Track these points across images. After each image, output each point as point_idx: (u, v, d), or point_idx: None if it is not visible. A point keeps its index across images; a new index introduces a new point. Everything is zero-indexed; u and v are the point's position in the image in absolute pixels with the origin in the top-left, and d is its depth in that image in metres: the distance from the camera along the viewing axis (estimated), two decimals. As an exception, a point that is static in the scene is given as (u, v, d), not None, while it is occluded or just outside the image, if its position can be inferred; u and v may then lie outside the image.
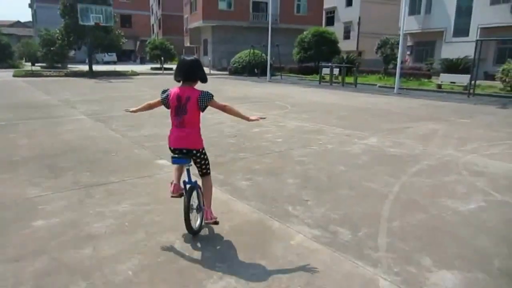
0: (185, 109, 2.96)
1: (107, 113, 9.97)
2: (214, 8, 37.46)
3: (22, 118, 8.84)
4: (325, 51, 29.67)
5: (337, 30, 37.76)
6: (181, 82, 3.04)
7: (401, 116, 10.29)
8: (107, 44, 26.12)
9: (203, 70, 3.09)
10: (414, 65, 29.42)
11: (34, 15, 49.30)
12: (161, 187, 4.31)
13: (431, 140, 7.09)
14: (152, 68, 34.48)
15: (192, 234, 3.15)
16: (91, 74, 24.18)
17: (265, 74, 25.70)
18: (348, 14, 42.47)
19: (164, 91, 3.11)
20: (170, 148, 3.11)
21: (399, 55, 17.74)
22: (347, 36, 42.85)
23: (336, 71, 22.21)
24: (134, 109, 3.38)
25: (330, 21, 45.33)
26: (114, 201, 3.94)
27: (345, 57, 29.13)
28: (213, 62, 37.27)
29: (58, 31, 26.69)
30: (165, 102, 3.06)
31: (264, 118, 3.30)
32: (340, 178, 4.79)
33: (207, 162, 3.19)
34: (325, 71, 22.88)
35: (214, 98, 3.03)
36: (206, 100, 2.98)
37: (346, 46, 38.32)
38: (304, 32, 31.64)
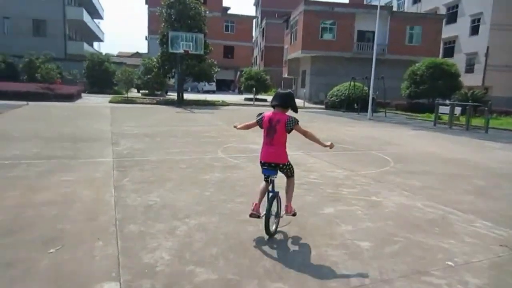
0: (275, 130, 3.52)
1: (145, 154, 7.78)
2: (315, 38, 35.16)
3: (39, 157, 7.05)
4: (441, 85, 24.85)
5: (457, 62, 32.24)
6: (275, 107, 3.62)
7: None
8: (198, 72, 25.28)
9: (294, 101, 3.68)
10: None
11: (148, 46, 53.06)
12: None
13: None
14: (245, 99, 33.20)
15: (269, 236, 3.59)
16: (178, 103, 23.39)
17: (366, 110, 22.06)
18: (473, 44, 36.37)
19: (259, 114, 3.69)
20: (260, 162, 3.64)
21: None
22: (469, 69, 36.68)
23: (457, 110, 17.66)
24: (239, 125, 4.00)
25: (449, 52, 39.53)
26: None
27: (469, 93, 23.94)
28: (310, 94, 34.66)
29: (155, 60, 26.89)
30: (259, 123, 3.67)
31: (333, 146, 3.66)
32: None
33: (292, 169, 3.77)
34: (443, 109, 18.43)
35: (299, 123, 3.56)
36: (292, 123, 3.51)
37: (467, 80, 32.47)
38: (417, 64, 27.27)
